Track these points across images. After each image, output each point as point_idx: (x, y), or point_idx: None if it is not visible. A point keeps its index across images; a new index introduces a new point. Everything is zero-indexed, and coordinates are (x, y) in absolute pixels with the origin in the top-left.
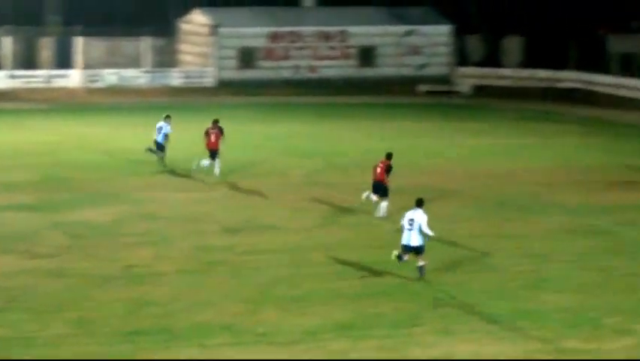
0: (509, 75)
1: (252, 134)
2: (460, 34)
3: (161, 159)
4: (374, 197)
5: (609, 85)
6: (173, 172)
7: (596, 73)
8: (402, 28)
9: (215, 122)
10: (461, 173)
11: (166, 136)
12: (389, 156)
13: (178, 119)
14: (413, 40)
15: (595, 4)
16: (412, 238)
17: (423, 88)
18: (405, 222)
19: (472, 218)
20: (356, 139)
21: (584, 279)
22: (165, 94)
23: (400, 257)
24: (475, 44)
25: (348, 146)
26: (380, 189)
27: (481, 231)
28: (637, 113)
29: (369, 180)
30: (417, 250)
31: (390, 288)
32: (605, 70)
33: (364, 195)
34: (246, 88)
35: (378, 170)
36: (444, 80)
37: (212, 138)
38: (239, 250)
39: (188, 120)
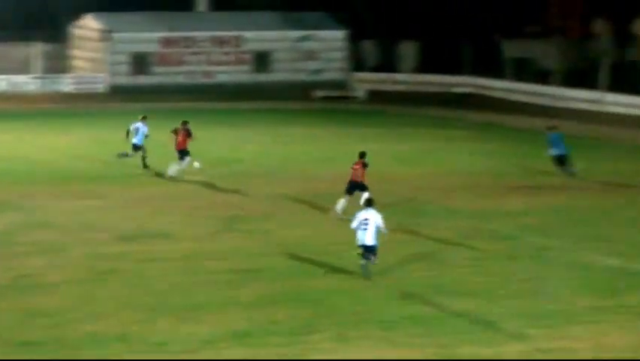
0: (404, 80)
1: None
2: (355, 39)
3: (143, 158)
4: (343, 201)
5: (504, 90)
6: (131, 175)
7: (490, 78)
8: (297, 34)
9: (185, 123)
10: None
11: (145, 136)
12: (363, 155)
13: (68, 126)
14: (308, 45)
15: (490, 10)
16: (367, 238)
17: (318, 93)
18: (358, 223)
19: None
20: (251, 145)
21: (480, 284)
22: (56, 100)
23: (364, 256)
24: (370, 49)
25: (243, 152)
26: (358, 187)
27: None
28: (531, 117)
29: (265, 187)
30: (370, 249)
31: (285, 295)
32: (500, 75)
33: (339, 206)
34: (140, 94)
35: (357, 171)
36: (339, 85)
37: (180, 138)
38: (133, 258)
39: (77, 126)
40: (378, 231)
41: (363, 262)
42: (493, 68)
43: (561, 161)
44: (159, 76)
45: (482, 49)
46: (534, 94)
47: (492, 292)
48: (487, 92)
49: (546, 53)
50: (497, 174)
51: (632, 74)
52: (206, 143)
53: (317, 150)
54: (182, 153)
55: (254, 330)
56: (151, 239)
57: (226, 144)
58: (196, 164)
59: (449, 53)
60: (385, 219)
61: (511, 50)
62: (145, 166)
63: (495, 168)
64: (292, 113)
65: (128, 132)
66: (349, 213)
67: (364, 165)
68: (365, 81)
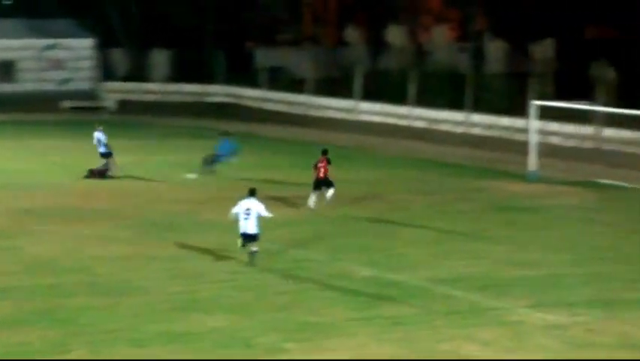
0: (156, 90)
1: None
2: (104, 47)
3: (113, 164)
4: (314, 197)
5: (258, 99)
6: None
7: (245, 87)
8: (43, 42)
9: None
10: (107, 192)
11: (106, 145)
12: (325, 152)
13: None
14: (55, 54)
15: (241, 18)
16: (249, 226)
17: (67, 104)
18: (241, 211)
19: (125, 240)
20: None
21: (237, 298)
22: None
23: (244, 245)
24: (120, 58)
25: None
26: (325, 183)
27: (133, 252)
28: (284, 127)
29: (11, 202)
30: (253, 237)
31: (36, 315)
32: (254, 84)
33: (311, 201)
34: None
35: (322, 168)
36: (89, 95)
37: None
38: None
39: None
40: (259, 220)
41: (255, 248)
42: (247, 77)
43: (213, 161)
44: None
45: (235, 57)
46: (289, 103)
47: (248, 306)
48: (242, 102)
49: (300, 61)
50: (257, 185)
51: (384, 83)
52: None
53: (65, 162)
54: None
55: (1, 353)
56: None
57: None
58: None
59: (202, 62)
60: (144, 234)
61: (265, 58)
62: (119, 170)
63: (255, 178)
64: (39, 125)
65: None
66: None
67: (328, 162)
68: (115, 91)
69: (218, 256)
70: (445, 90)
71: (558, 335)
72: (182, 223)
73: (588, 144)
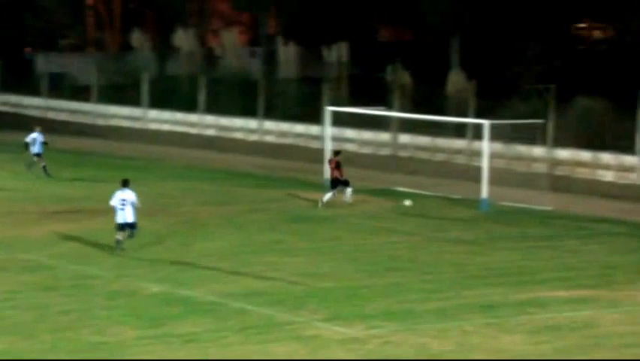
0: None
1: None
2: None
3: (42, 167)
4: (333, 193)
5: (40, 107)
6: None
7: (24, 95)
8: None
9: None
10: None
11: (43, 144)
12: (337, 153)
13: None
14: None
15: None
16: (127, 216)
17: None
18: (117, 202)
19: None
20: None
21: (16, 319)
22: None
23: (118, 233)
24: None
25: None
26: (339, 182)
27: None
28: (69, 137)
29: None
30: (132, 226)
31: None
32: (35, 91)
33: (347, 197)
34: None
35: (333, 170)
36: None
37: None
38: None
39: None
40: (135, 208)
41: (119, 237)
42: (27, 84)
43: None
44: None
45: (14, 64)
46: (72, 111)
47: (28, 327)
48: (22, 111)
49: (84, 67)
50: (35, 199)
51: (173, 89)
52: None
53: None
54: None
55: None
56: None
57: None
58: None
59: None
60: None
61: (46, 64)
62: (47, 174)
63: (35, 192)
64: None
65: (26, 145)
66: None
67: (337, 165)
68: None
69: None
70: (236, 96)
71: (355, 349)
72: None
73: (384, 151)
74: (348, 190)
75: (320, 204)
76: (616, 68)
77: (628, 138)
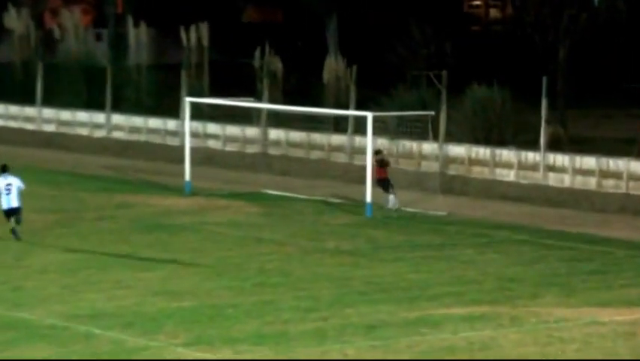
0: None
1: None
2: None
3: None
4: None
5: None
6: None
7: None
8: None
9: None
10: None
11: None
12: (377, 152)
13: None
14: None
15: None
16: (13, 200)
17: None
18: (2, 188)
19: None
20: None
21: None
22: None
23: (9, 219)
24: None
25: None
26: (385, 182)
27: None
28: None
29: None
30: (18, 211)
31: None
32: None
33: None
34: None
35: (377, 170)
36: None
37: None
38: None
39: None
40: (20, 192)
41: (13, 225)
42: None
43: None
44: None
45: None
46: None
47: None
48: None
49: None
50: None
51: (6, 78)
52: None
53: None
54: None
55: None
56: None
57: None
58: None
59: None
60: None
61: None
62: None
63: None
64: None
65: None
66: None
67: (380, 164)
68: None
69: None
70: (79, 86)
71: None
72: None
73: (252, 149)
74: (390, 197)
75: (394, 211)
76: (515, 51)
77: (531, 131)
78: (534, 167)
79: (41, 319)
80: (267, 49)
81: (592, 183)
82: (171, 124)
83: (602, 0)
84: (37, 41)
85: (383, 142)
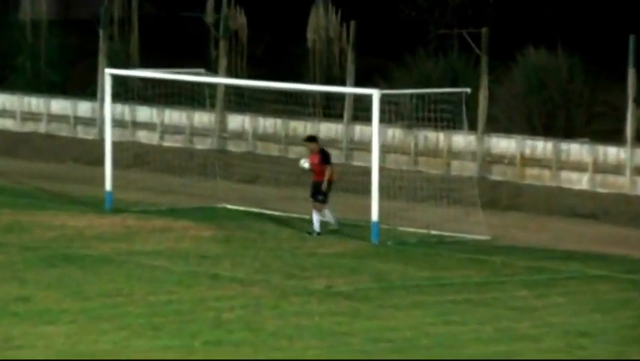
0: None
1: None
2: None
3: None
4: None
5: None
6: None
7: None
8: None
9: None
10: None
11: None
12: (312, 139)
13: None
14: None
15: None
16: None
17: None
18: None
19: None
20: None
21: None
22: None
23: None
24: None
25: None
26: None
27: None
28: None
29: None
30: None
31: None
32: None
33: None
34: None
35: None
36: None
37: None
38: None
39: None
40: None
41: None
42: None
43: None
44: None
45: None
46: None
47: None
48: None
49: None
50: None
51: None
52: None
53: None
54: None
55: None
56: None
57: None
58: None
59: None
60: None
61: None
62: None
63: None
64: None
65: None
66: None
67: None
68: None
69: None
70: None
71: None
72: None
73: (204, 144)
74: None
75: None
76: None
77: (612, 117)
78: (617, 169)
79: None
80: None
81: None
82: (84, 108)
83: None
84: None
85: (396, 133)
